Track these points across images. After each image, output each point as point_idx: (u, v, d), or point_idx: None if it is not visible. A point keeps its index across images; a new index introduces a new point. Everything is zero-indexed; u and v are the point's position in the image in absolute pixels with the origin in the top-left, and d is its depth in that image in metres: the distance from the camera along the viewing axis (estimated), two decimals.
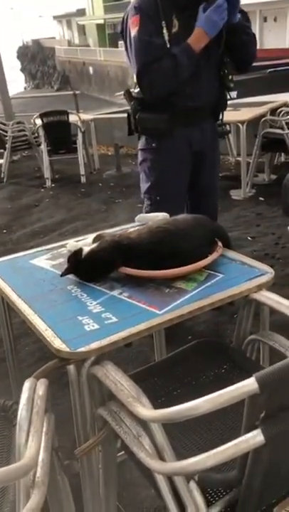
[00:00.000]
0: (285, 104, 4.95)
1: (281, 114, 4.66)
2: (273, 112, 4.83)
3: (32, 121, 5.66)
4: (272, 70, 8.34)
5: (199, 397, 0.81)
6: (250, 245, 3.45)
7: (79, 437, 1.17)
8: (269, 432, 0.82)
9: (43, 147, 5.37)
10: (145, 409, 0.91)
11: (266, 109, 4.86)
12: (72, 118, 5.44)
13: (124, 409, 1.01)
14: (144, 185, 2.26)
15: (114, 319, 1.17)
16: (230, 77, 2.16)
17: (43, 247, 1.63)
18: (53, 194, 5.25)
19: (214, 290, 1.26)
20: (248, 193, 4.62)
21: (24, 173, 6.10)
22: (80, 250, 1.36)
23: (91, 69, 32.14)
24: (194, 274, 1.33)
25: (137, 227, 1.50)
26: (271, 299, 1.25)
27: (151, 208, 2.20)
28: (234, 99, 4.74)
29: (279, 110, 4.76)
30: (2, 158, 5.85)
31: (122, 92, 2.29)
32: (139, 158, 2.27)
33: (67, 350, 1.07)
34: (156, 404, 0.94)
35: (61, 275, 1.35)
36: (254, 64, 2.22)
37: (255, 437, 0.82)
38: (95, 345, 1.07)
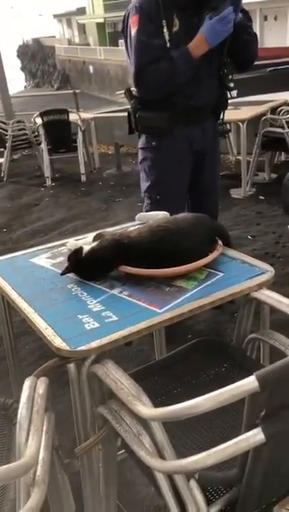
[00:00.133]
0: (285, 103, 4.94)
1: (281, 113, 4.65)
2: (273, 110, 4.82)
3: (32, 120, 5.65)
4: (272, 68, 8.33)
5: (199, 396, 0.81)
6: (250, 244, 3.45)
7: (79, 436, 1.17)
8: (269, 431, 0.82)
9: (43, 146, 5.37)
10: (145, 408, 0.91)
11: (266, 107, 4.85)
12: (73, 117, 5.44)
13: (124, 407, 1.01)
14: (144, 184, 2.26)
15: (115, 318, 1.17)
16: (230, 76, 2.16)
17: (43, 246, 1.63)
18: (53, 193, 5.24)
19: (214, 289, 1.26)
20: (249, 191, 4.62)
21: (24, 172, 6.10)
22: (81, 249, 1.36)
23: (91, 68, 32.12)
24: (195, 272, 1.33)
25: (137, 226, 1.50)
26: (271, 297, 1.25)
27: (152, 207, 2.20)
28: (234, 98, 4.74)
29: (279, 109, 4.76)
30: (2, 157, 5.85)
31: (123, 91, 2.29)
32: (140, 156, 2.27)
33: (68, 348, 1.07)
34: (157, 403, 0.94)
35: (61, 274, 1.35)
36: (254, 63, 2.22)
37: (255, 436, 0.82)
38: (95, 343, 1.07)
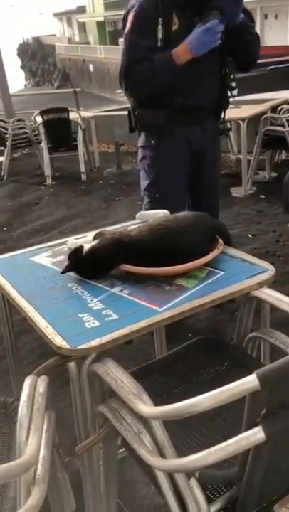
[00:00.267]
0: (285, 102, 4.93)
1: (282, 112, 4.65)
2: (274, 109, 4.82)
3: (32, 118, 5.65)
4: (273, 67, 8.33)
5: (200, 395, 0.81)
6: (250, 243, 3.44)
7: (79, 434, 1.17)
8: (270, 429, 0.82)
9: (44, 145, 5.36)
10: (146, 407, 0.91)
11: (267, 106, 4.85)
12: (73, 115, 5.43)
13: (124, 406, 1.01)
14: (143, 183, 2.26)
15: (115, 316, 1.16)
16: (231, 76, 2.15)
17: (44, 245, 1.63)
18: (54, 192, 5.24)
19: (215, 287, 1.26)
20: (249, 190, 4.61)
21: (24, 170, 6.09)
22: (81, 248, 1.36)
23: (91, 66, 32.09)
24: (195, 271, 1.33)
25: (137, 225, 1.50)
26: (272, 296, 1.25)
27: (151, 206, 2.20)
28: (235, 96, 4.73)
29: (280, 108, 4.75)
30: (2, 155, 5.85)
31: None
32: (139, 155, 2.27)
33: (68, 347, 1.07)
34: (157, 402, 0.94)
35: (62, 272, 1.35)
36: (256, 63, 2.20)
37: (256, 434, 0.82)
38: (95, 342, 1.07)
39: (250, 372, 0.81)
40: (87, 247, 1.35)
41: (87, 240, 1.45)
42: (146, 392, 0.96)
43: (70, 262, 1.36)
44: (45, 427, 0.95)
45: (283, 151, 5.27)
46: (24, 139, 5.83)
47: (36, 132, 5.63)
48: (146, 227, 1.39)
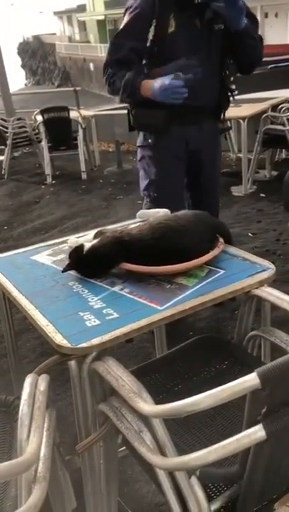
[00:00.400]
0: (286, 101, 4.94)
1: (282, 111, 4.65)
2: (274, 108, 4.82)
3: (33, 117, 5.65)
4: (273, 66, 8.32)
5: (200, 393, 0.81)
6: (251, 242, 3.44)
7: (80, 433, 1.17)
8: (271, 427, 0.82)
9: (44, 144, 5.36)
10: (146, 405, 0.92)
11: (267, 105, 4.85)
12: (73, 114, 5.43)
13: (125, 404, 1.01)
14: (142, 183, 2.26)
15: (116, 315, 1.16)
16: (232, 78, 2.13)
17: (44, 243, 1.62)
18: (54, 191, 5.24)
19: (215, 286, 1.26)
20: (249, 189, 4.61)
21: (25, 169, 6.09)
22: (81, 246, 1.36)
23: (92, 65, 32.06)
24: (195, 270, 1.33)
25: (138, 224, 1.50)
26: (272, 294, 1.25)
27: (150, 205, 2.20)
28: (235, 95, 4.72)
29: (280, 106, 4.76)
30: (3, 154, 5.85)
31: None
32: (138, 155, 2.27)
33: (69, 345, 1.07)
34: (158, 400, 0.94)
35: (62, 271, 1.35)
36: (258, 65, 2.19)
37: (256, 432, 0.82)
38: (96, 340, 1.07)
39: (250, 371, 0.81)
40: (87, 245, 1.35)
41: (87, 239, 1.45)
42: (146, 390, 0.96)
43: (70, 261, 1.36)
44: (46, 425, 0.95)
45: (283, 150, 5.27)
46: (24, 137, 5.83)
47: (37, 131, 5.62)
48: (146, 226, 1.39)
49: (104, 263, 1.35)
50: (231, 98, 2.23)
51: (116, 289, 1.28)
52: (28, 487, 0.83)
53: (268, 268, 1.33)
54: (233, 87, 2.17)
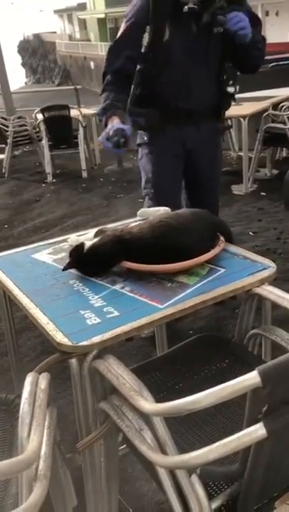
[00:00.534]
0: (287, 99, 4.93)
1: (283, 109, 4.64)
2: (275, 106, 4.82)
3: (33, 115, 5.64)
4: (274, 64, 8.28)
5: (201, 391, 0.81)
6: (251, 240, 3.44)
7: (81, 431, 1.17)
8: (271, 426, 0.82)
9: (44, 142, 5.36)
10: (147, 403, 0.92)
11: (268, 103, 4.84)
12: (74, 113, 5.43)
13: (126, 403, 1.01)
14: (142, 180, 2.27)
15: (116, 313, 1.17)
16: (230, 81, 2.08)
17: (45, 242, 1.63)
18: (54, 189, 5.24)
19: (216, 284, 1.26)
20: (250, 188, 4.61)
21: (25, 168, 6.09)
22: (82, 245, 1.36)
23: (92, 64, 32.01)
24: (196, 268, 1.33)
25: (138, 222, 1.50)
26: (273, 293, 1.25)
27: (149, 202, 2.19)
28: (236, 93, 4.70)
29: (281, 105, 4.75)
30: (3, 153, 5.84)
31: None
32: (138, 154, 2.27)
33: (69, 344, 1.07)
34: (158, 399, 0.95)
35: (63, 269, 1.35)
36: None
37: (257, 431, 0.82)
38: (96, 339, 1.07)
39: (251, 369, 0.81)
40: (88, 244, 1.35)
41: (88, 237, 1.45)
42: (147, 388, 0.96)
43: (71, 259, 1.36)
44: (46, 423, 0.95)
45: (284, 149, 5.27)
46: (25, 136, 5.83)
47: (37, 129, 5.62)
48: (147, 225, 1.39)
49: (105, 261, 1.35)
50: (232, 101, 2.21)
51: (117, 287, 1.28)
52: (29, 485, 0.83)
53: (269, 266, 1.33)
54: (232, 90, 2.10)
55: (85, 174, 5.49)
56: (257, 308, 1.36)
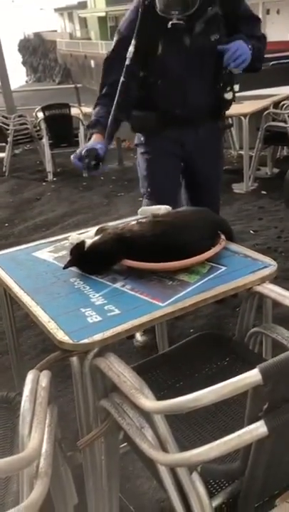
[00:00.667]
0: (288, 97, 4.92)
1: (284, 107, 4.63)
2: (276, 105, 4.81)
3: (34, 114, 5.64)
4: (275, 62, 8.26)
5: (202, 389, 0.81)
6: (252, 239, 3.44)
7: (82, 429, 1.18)
8: (272, 424, 0.82)
9: (45, 141, 5.36)
10: (148, 401, 0.92)
11: (269, 102, 4.83)
12: (74, 111, 5.43)
13: (127, 400, 1.01)
14: (140, 180, 2.27)
15: (117, 311, 1.17)
16: (228, 88, 2.03)
17: (46, 240, 1.63)
18: (55, 188, 5.24)
19: (217, 282, 1.26)
20: (251, 186, 4.61)
21: (26, 166, 6.09)
22: (83, 243, 1.36)
23: (93, 62, 31.99)
24: (197, 266, 1.33)
25: (139, 220, 1.50)
26: (274, 291, 1.25)
27: (146, 202, 2.18)
28: (236, 92, 4.69)
29: (282, 103, 4.74)
30: (4, 151, 5.84)
31: None
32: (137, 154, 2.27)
33: (70, 341, 1.07)
34: (159, 397, 0.95)
35: (64, 267, 1.35)
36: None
37: (258, 429, 0.82)
38: (98, 337, 1.07)
39: (252, 367, 0.81)
40: (89, 242, 1.35)
41: (89, 236, 1.45)
42: (148, 386, 0.96)
43: (72, 257, 1.36)
44: (47, 421, 0.95)
45: (285, 147, 5.26)
46: (25, 134, 5.82)
47: (38, 128, 5.62)
48: (147, 223, 1.39)
49: (106, 260, 1.35)
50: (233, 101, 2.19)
51: (117, 285, 1.28)
52: (30, 483, 0.83)
53: (270, 265, 1.33)
54: (229, 97, 2.05)
55: (85, 173, 5.48)
56: (258, 306, 1.36)
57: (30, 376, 1.00)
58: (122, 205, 4.51)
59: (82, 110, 5.58)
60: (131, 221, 1.59)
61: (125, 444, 1.23)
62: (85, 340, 1.07)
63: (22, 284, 1.32)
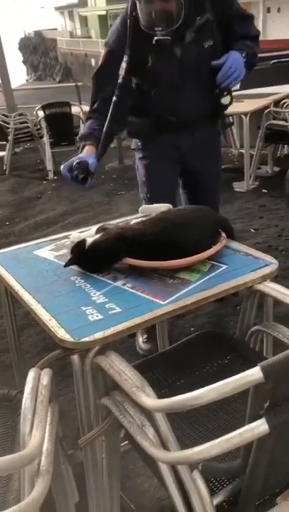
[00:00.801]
0: (288, 96, 4.91)
1: (285, 106, 4.63)
2: (277, 103, 4.80)
3: (34, 113, 5.64)
4: (275, 61, 8.25)
5: (203, 388, 0.81)
6: (253, 237, 3.44)
7: (83, 427, 1.18)
8: (273, 422, 0.82)
9: (46, 139, 5.36)
10: (149, 399, 0.92)
11: (270, 100, 4.82)
12: (75, 110, 5.43)
13: (128, 399, 1.01)
14: (139, 185, 2.27)
15: (118, 310, 1.17)
16: (225, 93, 2.00)
17: (47, 238, 1.63)
18: (56, 186, 5.24)
19: (218, 281, 1.26)
20: (251, 185, 4.60)
21: (26, 165, 6.09)
22: (84, 241, 1.36)
23: (93, 61, 31.94)
24: (198, 265, 1.33)
25: (140, 219, 1.50)
26: (275, 289, 1.25)
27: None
28: (237, 90, 4.69)
29: (283, 102, 4.73)
30: (4, 150, 5.84)
31: None
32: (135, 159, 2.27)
33: (71, 340, 1.07)
34: (160, 395, 0.95)
35: (65, 266, 1.35)
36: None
37: (259, 427, 0.82)
38: (99, 335, 1.07)
39: (253, 366, 0.81)
40: (90, 240, 1.35)
41: (90, 234, 1.45)
42: (149, 385, 0.96)
43: (72, 256, 1.36)
44: (48, 419, 0.95)
45: (286, 146, 5.25)
46: (26, 133, 5.82)
47: (38, 127, 5.62)
48: (148, 221, 1.39)
49: (107, 258, 1.35)
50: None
51: (118, 283, 1.28)
52: (31, 480, 0.83)
53: (271, 263, 1.33)
54: (226, 102, 2.02)
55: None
56: (258, 304, 1.36)
57: (31, 374, 1.00)
58: (122, 203, 4.51)
59: (82, 109, 5.58)
60: (132, 219, 1.58)
61: (126, 442, 1.23)
62: (86, 339, 1.07)
63: (23, 283, 1.32)
